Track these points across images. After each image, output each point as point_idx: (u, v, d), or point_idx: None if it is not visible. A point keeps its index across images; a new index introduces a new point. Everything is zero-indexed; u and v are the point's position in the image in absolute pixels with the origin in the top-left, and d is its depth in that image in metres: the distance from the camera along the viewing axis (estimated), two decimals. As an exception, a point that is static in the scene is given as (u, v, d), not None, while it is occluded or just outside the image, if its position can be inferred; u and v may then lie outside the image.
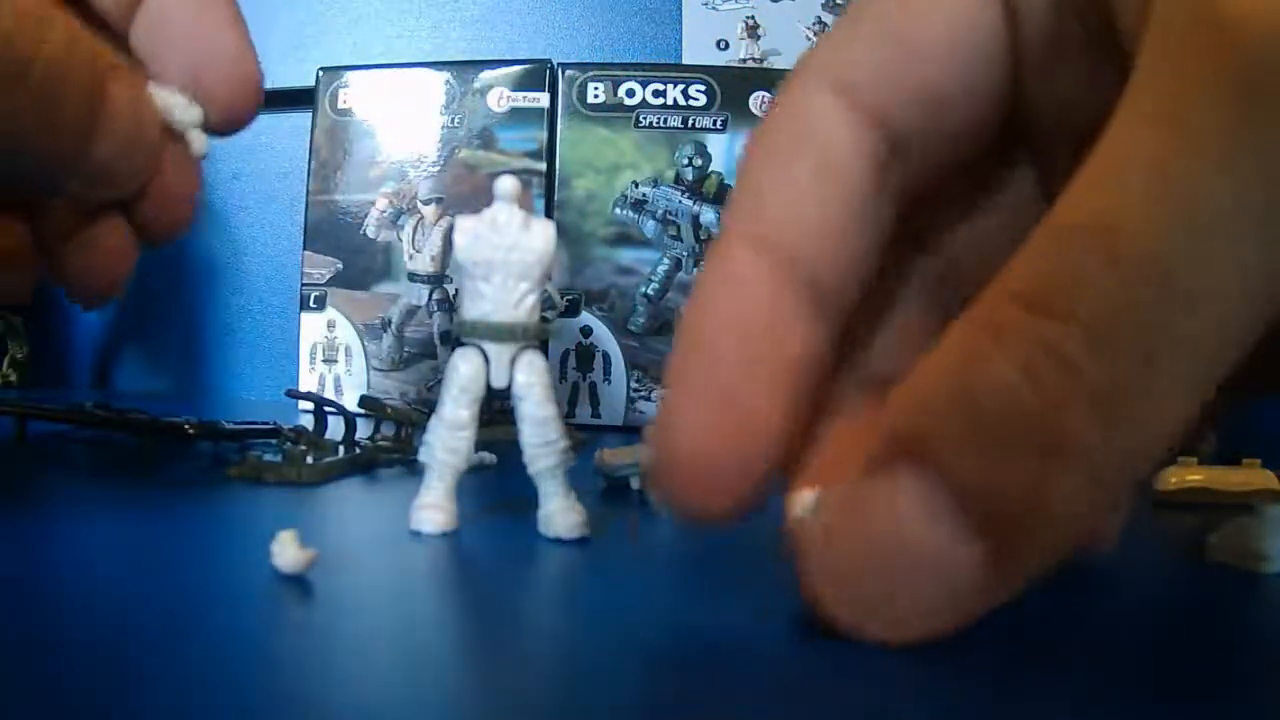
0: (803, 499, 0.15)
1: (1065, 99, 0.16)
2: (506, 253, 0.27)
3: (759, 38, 0.73)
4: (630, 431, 0.58)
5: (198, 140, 0.26)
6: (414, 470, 0.34)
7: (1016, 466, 0.12)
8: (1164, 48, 0.12)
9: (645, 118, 0.62)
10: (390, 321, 0.64)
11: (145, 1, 0.26)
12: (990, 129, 0.16)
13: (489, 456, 0.40)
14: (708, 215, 0.62)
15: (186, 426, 0.40)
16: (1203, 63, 0.11)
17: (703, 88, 0.62)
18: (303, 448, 0.36)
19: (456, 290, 0.53)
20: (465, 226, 0.27)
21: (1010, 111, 0.16)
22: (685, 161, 0.62)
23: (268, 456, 0.36)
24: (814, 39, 0.73)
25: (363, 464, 0.39)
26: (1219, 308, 0.11)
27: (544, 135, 0.63)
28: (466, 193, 0.63)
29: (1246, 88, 0.11)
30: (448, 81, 0.64)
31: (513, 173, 0.51)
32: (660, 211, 0.62)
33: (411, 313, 0.64)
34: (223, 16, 0.26)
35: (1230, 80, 0.11)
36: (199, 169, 0.27)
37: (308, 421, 0.43)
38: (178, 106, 0.25)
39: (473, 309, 0.27)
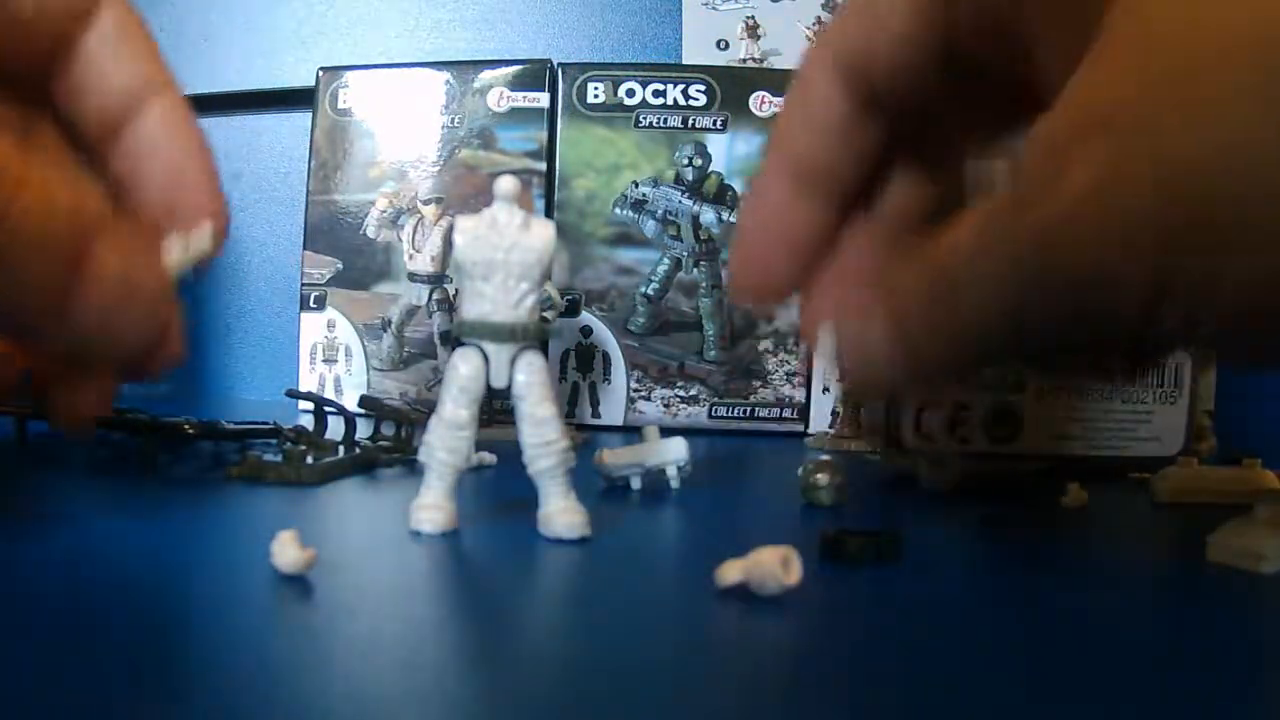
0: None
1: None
2: (506, 253, 0.27)
3: (759, 38, 0.73)
4: (630, 431, 0.58)
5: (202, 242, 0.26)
6: (414, 470, 0.34)
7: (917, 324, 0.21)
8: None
9: (645, 118, 0.62)
10: (390, 321, 0.64)
11: (124, 132, 0.27)
12: (936, 69, 0.22)
13: (489, 456, 0.40)
14: (707, 215, 0.62)
15: (186, 426, 0.40)
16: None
17: (703, 88, 0.62)
18: (303, 448, 0.36)
19: (456, 290, 0.53)
20: (465, 226, 0.27)
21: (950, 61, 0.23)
22: (685, 161, 0.62)
23: (268, 456, 0.36)
24: (814, 39, 0.73)
25: (363, 464, 0.39)
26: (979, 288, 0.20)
27: (544, 135, 0.63)
28: (466, 193, 0.63)
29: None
30: (448, 81, 0.64)
31: (513, 173, 0.51)
32: (660, 211, 0.62)
33: (411, 313, 0.64)
34: (194, 145, 0.28)
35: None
36: (181, 319, 0.27)
37: (308, 421, 0.43)
38: (175, 249, 0.26)
39: (473, 309, 0.27)
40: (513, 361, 0.27)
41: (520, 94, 0.63)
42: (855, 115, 0.24)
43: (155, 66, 0.28)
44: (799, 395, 0.62)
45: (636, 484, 0.36)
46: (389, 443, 0.41)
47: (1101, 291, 0.17)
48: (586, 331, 0.62)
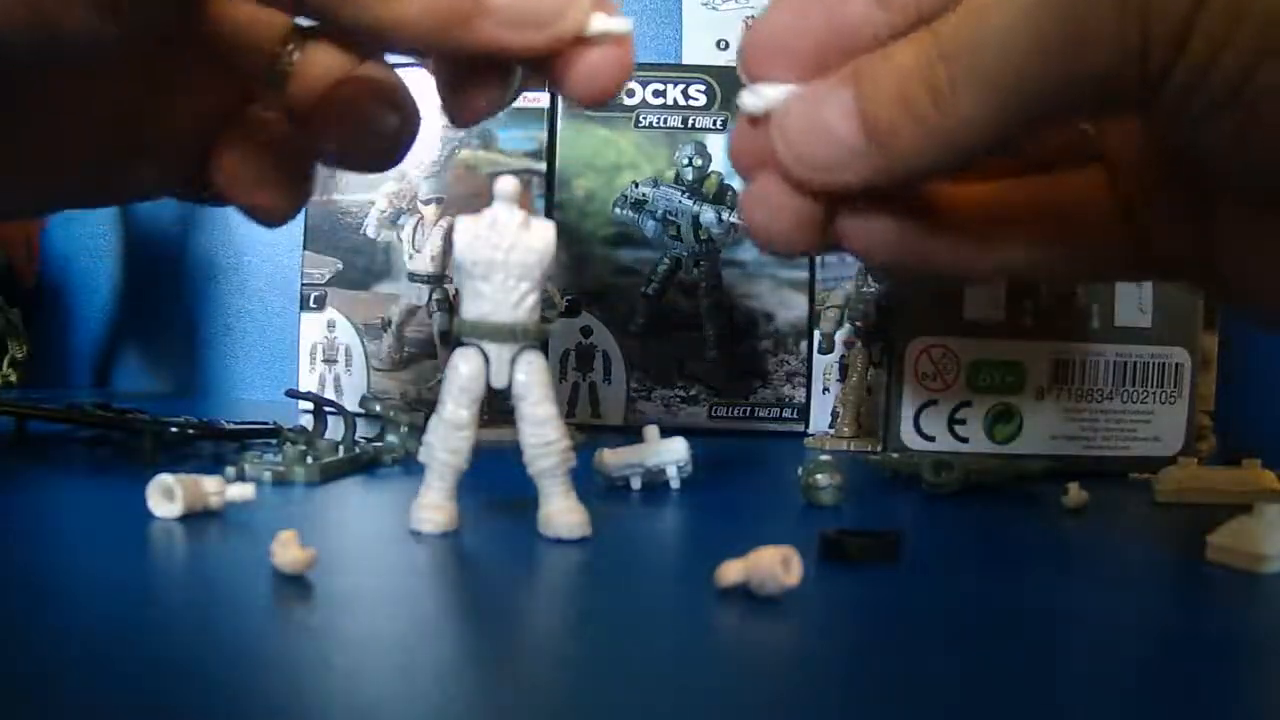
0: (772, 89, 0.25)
1: None
2: (506, 253, 0.27)
3: (759, 38, 0.73)
4: (630, 431, 0.58)
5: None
6: (414, 470, 0.34)
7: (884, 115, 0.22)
8: None
9: (645, 118, 0.62)
10: (390, 321, 0.64)
11: None
12: None
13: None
14: (708, 215, 0.62)
15: (186, 426, 0.40)
16: None
17: (703, 88, 0.62)
18: (303, 448, 0.36)
19: (456, 290, 0.53)
20: (465, 226, 0.27)
21: None
22: (685, 161, 0.62)
23: (268, 456, 0.36)
24: None
25: (363, 464, 0.39)
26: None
27: (544, 135, 0.63)
28: (466, 193, 0.63)
29: None
30: (448, 81, 0.64)
31: (513, 173, 0.51)
32: (660, 211, 0.62)
33: (411, 313, 0.64)
34: None
35: None
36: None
37: (308, 421, 0.43)
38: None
39: (473, 309, 0.27)
40: (513, 361, 0.27)
41: (520, 94, 0.63)
42: None
43: None
44: (799, 395, 0.62)
45: (636, 484, 0.36)
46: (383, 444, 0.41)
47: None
48: (586, 331, 0.62)
